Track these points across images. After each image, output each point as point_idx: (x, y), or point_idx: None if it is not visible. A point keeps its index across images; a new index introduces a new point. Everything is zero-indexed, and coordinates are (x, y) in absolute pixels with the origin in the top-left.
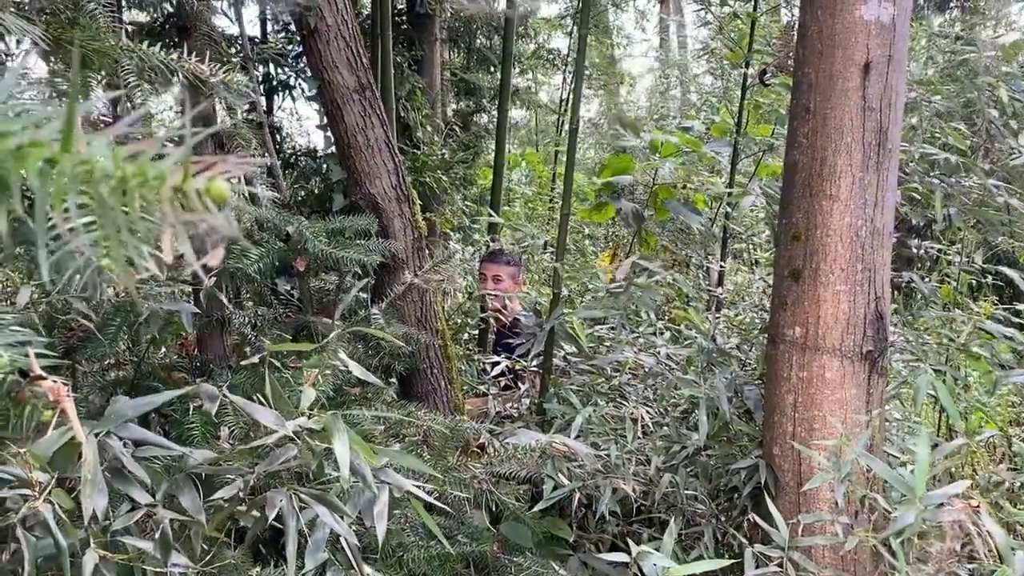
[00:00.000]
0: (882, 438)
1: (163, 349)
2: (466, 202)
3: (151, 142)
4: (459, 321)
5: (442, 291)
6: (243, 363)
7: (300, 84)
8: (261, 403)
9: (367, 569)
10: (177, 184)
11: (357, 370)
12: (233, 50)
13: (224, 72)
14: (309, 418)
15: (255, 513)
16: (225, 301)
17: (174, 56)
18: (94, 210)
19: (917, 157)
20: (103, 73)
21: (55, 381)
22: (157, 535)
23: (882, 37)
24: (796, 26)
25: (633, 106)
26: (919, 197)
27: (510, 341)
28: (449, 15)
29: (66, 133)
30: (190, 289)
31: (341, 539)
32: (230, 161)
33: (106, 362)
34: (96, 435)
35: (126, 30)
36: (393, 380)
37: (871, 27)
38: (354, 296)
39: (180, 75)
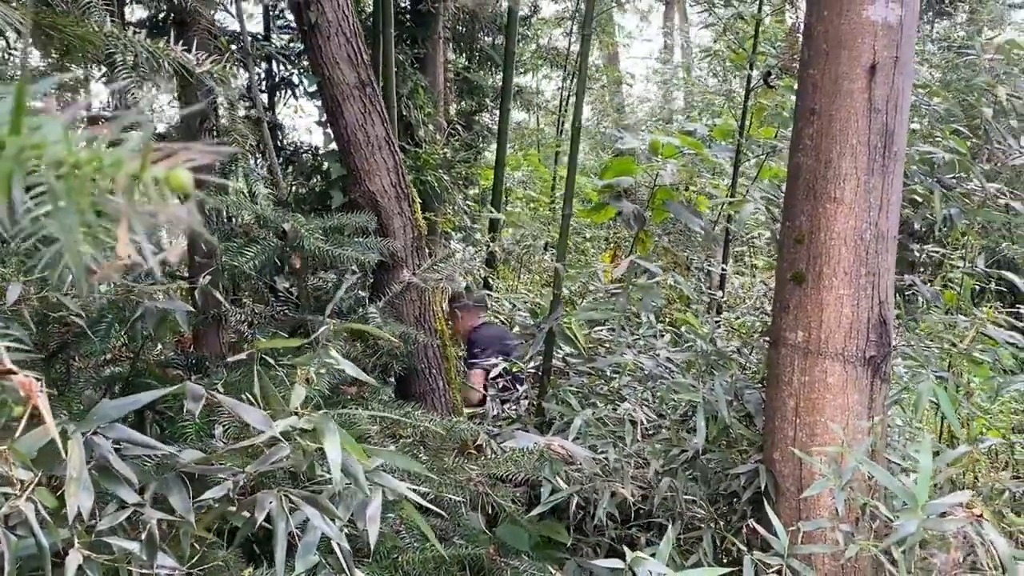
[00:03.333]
0: (884, 444)
1: (159, 346)
2: (467, 202)
3: (109, 127)
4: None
5: (441, 291)
6: (230, 360)
7: (303, 81)
8: (251, 402)
9: (359, 573)
10: (134, 172)
11: (350, 368)
12: (234, 46)
13: (212, 63)
14: (300, 418)
15: (245, 514)
16: (221, 299)
17: (160, 45)
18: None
19: (917, 159)
20: (84, 59)
21: (27, 376)
22: (143, 535)
23: (889, 38)
24: (801, 27)
25: (634, 108)
26: (920, 200)
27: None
28: (452, 13)
29: (15, 114)
30: (187, 286)
31: (333, 542)
32: (194, 149)
33: (102, 358)
34: (83, 434)
35: (112, 18)
36: (391, 379)
37: (877, 28)
38: (349, 294)
39: (167, 65)
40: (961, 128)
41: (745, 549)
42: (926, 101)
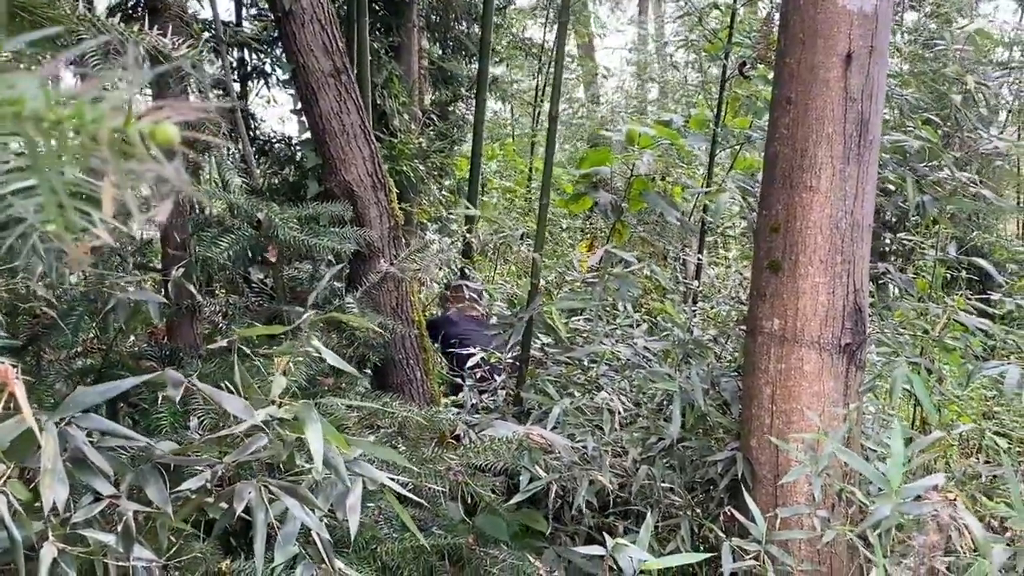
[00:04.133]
0: (859, 431)
1: (132, 337)
2: (443, 192)
3: (89, 83)
4: (435, 312)
5: (418, 281)
6: (210, 347)
7: (275, 70)
8: (230, 391)
9: (339, 564)
10: (118, 127)
11: (330, 357)
12: (207, 34)
13: (188, 47)
14: (280, 407)
15: (223, 505)
16: (193, 290)
17: (134, 29)
18: (29, 164)
19: (889, 147)
20: (54, 43)
21: (2, 362)
22: (119, 527)
23: (864, 27)
24: (778, 16)
25: (610, 99)
26: (893, 188)
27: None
28: (427, 1)
29: None
30: (160, 278)
31: (312, 533)
32: (179, 104)
33: (73, 351)
34: (56, 424)
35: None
36: (368, 371)
37: (853, 17)
38: (328, 284)
39: (142, 50)
40: (932, 117)
41: (723, 536)
42: (898, 92)
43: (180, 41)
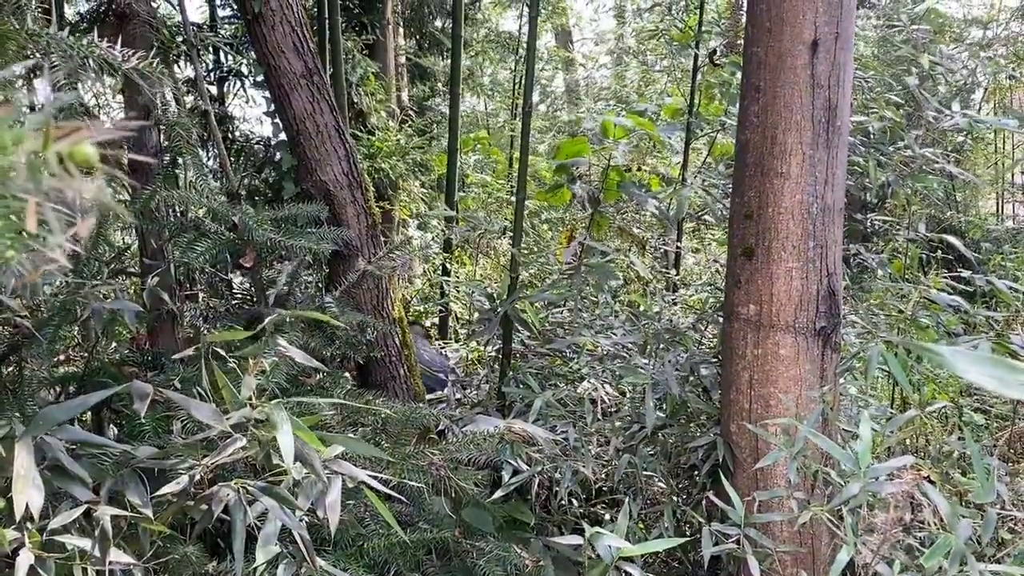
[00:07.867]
0: (837, 413)
1: (114, 344)
2: (423, 188)
3: (7, 107)
4: (420, 309)
5: (398, 278)
6: (176, 356)
7: (252, 71)
8: (203, 397)
9: (320, 562)
10: (36, 148)
11: (299, 356)
12: (179, 38)
13: (138, 59)
14: (253, 408)
15: (204, 507)
16: (167, 297)
17: (85, 42)
18: None
19: (853, 128)
20: (4, 59)
21: None
22: (96, 532)
23: (829, 14)
24: (745, 4)
25: (588, 90)
26: (861, 170)
27: None
28: None
29: None
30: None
31: (293, 532)
32: (97, 126)
33: (55, 359)
34: (34, 438)
35: (47, 14)
36: (352, 369)
37: (818, 4)
38: (289, 282)
39: (92, 62)
40: (896, 99)
41: (704, 521)
42: (861, 75)
43: (132, 53)
